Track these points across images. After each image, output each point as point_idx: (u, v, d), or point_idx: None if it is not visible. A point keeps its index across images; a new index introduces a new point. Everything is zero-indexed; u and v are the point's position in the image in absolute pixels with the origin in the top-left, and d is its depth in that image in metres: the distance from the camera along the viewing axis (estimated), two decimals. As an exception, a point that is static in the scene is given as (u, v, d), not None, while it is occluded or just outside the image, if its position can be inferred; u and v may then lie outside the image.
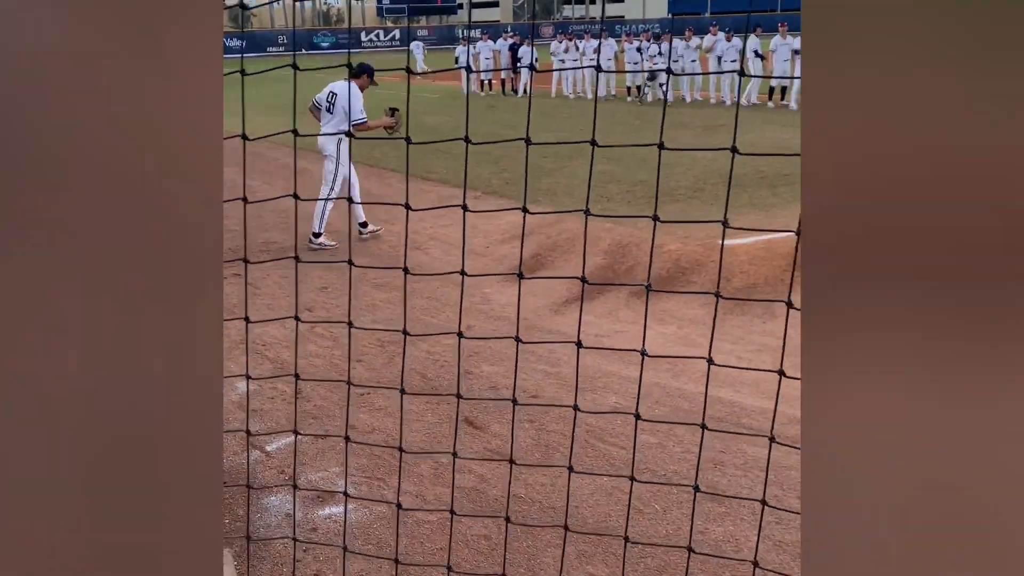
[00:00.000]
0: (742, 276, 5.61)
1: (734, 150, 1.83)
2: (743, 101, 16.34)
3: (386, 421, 3.77)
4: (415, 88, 21.14)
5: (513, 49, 21.95)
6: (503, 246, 6.85)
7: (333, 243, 6.85)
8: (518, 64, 20.66)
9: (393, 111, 6.85)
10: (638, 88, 18.45)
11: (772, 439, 1.95)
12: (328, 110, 6.72)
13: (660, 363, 4.25)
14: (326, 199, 6.68)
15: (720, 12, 38.93)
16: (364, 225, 7.21)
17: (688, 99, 17.53)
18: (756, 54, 16.37)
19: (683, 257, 6.06)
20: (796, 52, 15.42)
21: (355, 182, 6.59)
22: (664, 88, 16.07)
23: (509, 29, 32.07)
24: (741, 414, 3.75)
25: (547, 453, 3.50)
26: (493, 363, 4.38)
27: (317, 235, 6.81)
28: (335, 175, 6.70)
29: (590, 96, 19.36)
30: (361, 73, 6.66)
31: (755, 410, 3.76)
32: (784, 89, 16.12)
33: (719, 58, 16.94)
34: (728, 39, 16.82)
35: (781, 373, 1.98)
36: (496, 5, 72.21)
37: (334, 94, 6.71)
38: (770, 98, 16.08)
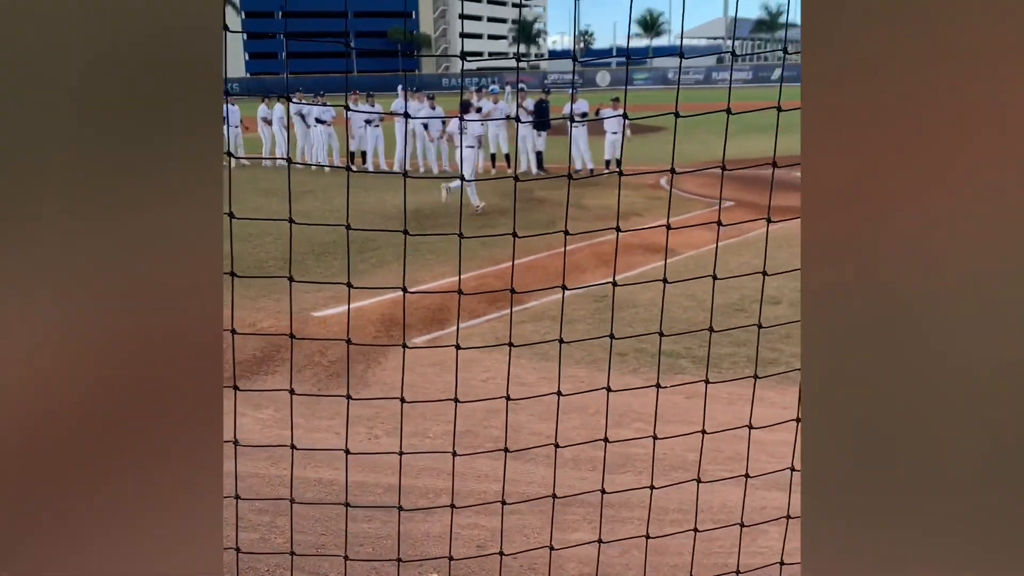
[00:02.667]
0: (336, 348, 5.77)
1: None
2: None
3: None
4: None
5: None
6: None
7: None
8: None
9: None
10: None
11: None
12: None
13: (258, 451, 4.17)
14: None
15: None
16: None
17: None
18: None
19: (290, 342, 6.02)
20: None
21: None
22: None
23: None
24: (340, 490, 3.86)
25: None
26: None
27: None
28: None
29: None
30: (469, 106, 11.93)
31: (352, 484, 3.90)
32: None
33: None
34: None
35: (348, 451, 2.10)
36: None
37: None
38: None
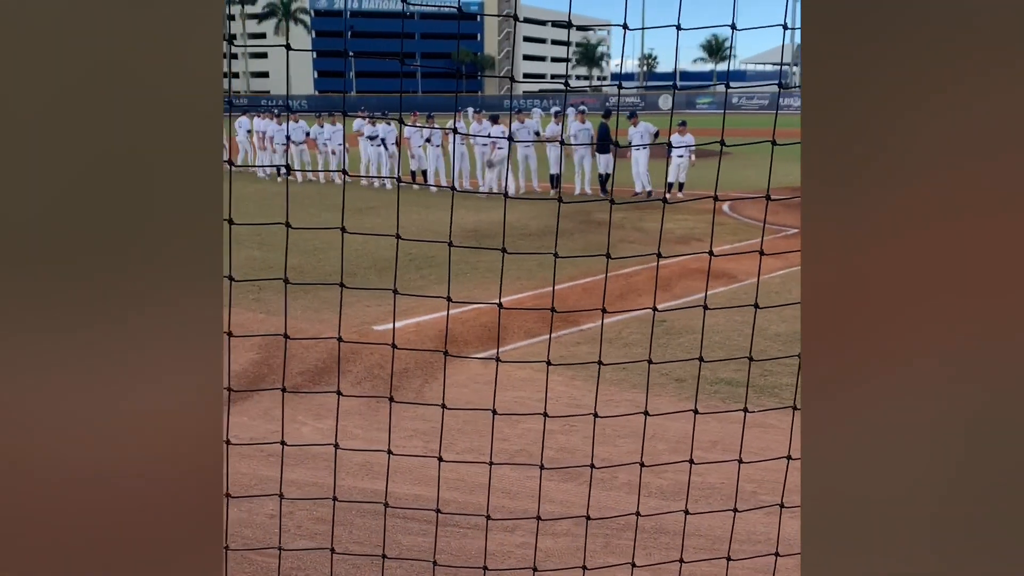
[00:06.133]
0: (396, 361, 5.86)
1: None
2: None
3: None
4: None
5: None
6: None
7: None
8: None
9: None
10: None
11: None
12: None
13: (318, 460, 4.25)
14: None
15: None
16: None
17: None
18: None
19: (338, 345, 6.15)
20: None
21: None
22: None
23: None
24: (398, 500, 3.90)
25: None
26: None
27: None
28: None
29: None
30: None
31: (407, 496, 3.95)
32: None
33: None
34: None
35: (441, 458, 2.13)
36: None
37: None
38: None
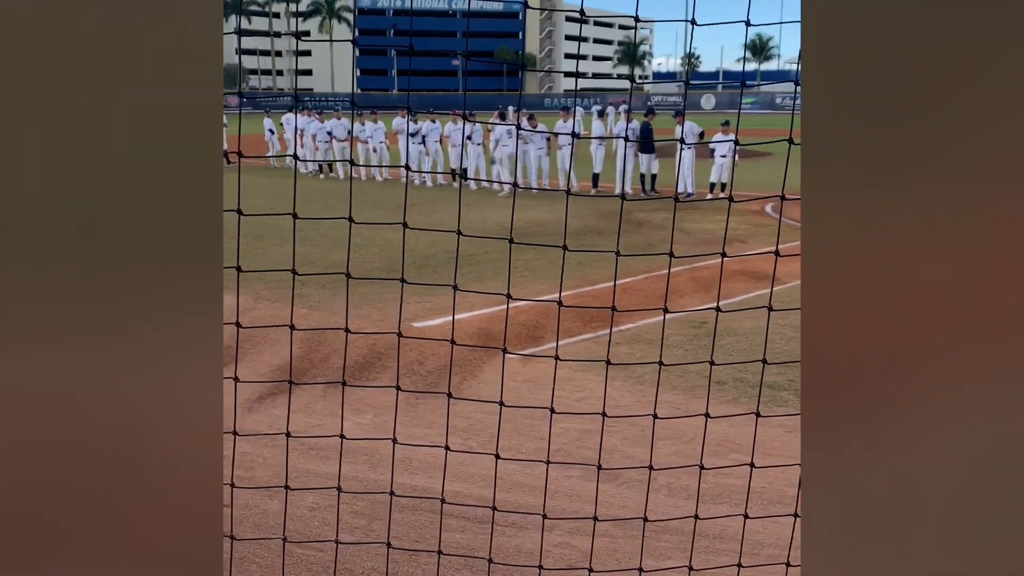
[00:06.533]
0: (434, 358, 5.89)
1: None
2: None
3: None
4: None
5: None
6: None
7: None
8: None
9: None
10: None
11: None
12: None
13: (357, 455, 4.30)
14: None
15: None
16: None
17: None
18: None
19: (379, 342, 6.21)
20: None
21: None
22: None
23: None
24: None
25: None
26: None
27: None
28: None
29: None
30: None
31: (450, 494, 3.97)
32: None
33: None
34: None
35: (499, 455, 2.14)
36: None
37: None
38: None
